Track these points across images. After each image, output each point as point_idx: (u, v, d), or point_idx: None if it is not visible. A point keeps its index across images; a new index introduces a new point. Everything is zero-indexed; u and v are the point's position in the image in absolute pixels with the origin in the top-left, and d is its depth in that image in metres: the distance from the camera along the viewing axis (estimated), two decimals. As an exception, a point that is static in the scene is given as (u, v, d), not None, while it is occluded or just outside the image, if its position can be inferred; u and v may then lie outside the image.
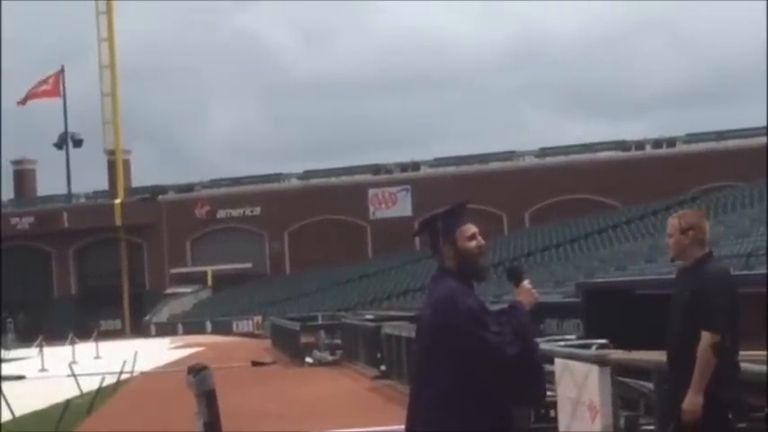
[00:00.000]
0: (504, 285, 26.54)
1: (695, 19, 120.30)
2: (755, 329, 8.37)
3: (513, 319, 4.60)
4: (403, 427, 4.77)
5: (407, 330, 18.36)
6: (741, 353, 6.09)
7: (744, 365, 6.18)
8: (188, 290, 73.12)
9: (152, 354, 35.78)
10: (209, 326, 60.65)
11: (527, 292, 4.76)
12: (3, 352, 40.51)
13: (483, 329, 4.50)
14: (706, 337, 5.70)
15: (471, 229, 4.71)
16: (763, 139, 60.17)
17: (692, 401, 5.73)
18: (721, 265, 6.09)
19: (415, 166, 73.05)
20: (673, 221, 6.06)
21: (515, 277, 4.81)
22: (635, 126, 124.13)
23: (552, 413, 10.34)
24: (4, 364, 33.08)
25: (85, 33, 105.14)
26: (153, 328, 64.78)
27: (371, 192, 71.77)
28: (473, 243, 4.69)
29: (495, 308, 4.96)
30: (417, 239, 57.27)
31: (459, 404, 4.51)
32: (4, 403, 15.87)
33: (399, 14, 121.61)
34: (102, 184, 78.83)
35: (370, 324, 24.87)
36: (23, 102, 76.30)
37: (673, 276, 6.79)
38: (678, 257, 6.08)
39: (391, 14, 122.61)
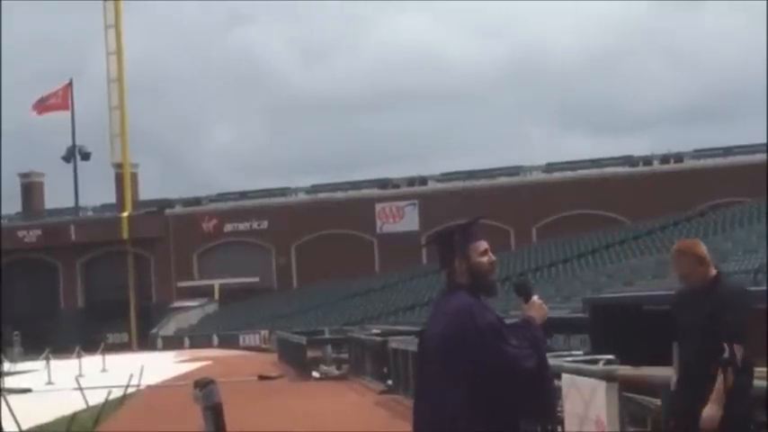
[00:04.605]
0: (509, 300, 26.51)
1: (693, 34, 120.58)
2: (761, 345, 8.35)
3: (528, 333, 4.61)
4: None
5: (414, 345, 18.30)
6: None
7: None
8: (195, 303, 73.13)
9: (158, 367, 35.75)
10: (215, 339, 60.63)
11: (538, 306, 4.77)
12: (9, 365, 40.50)
13: (503, 342, 4.51)
14: (738, 350, 5.87)
15: (484, 245, 4.73)
16: (770, 155, 60.20)
17: (712, 412, 5.85)
18: (737, 282, 6.27)
19: (423, 180, 73.09)
20: (684, 257, 6.19)
21: (524, 292, 4.81)
22: (636, 141, 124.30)
23: (559, 429, 10.32)
24: (10, 377, 33.10)
25: (92, 46, 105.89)
26: (160, 342, 64.79)
27: (378, 206, 71.81)
28: (485, 259, 4.71)
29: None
30: (424, 254, 57.41)
31: (478, 417, 4.49)
32: (10, 416, 15.86)
33: (402, 31, 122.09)
34: (110, 197, 79.04)
35: (376, 338, 24.86)
36: (37, 110, 76.31)
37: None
38: (694, 281, 6.20)
39: (394, 31, 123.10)
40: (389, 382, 21.66)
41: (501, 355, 4.48)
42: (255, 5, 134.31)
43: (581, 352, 12.90)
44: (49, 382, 30.48)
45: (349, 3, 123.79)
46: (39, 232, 76.46)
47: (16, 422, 16.05)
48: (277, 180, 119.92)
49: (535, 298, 4.80)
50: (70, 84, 77.56)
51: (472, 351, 4.50)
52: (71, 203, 78.42)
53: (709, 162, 66.72)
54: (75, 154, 77.37)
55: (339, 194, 73.93)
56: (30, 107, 76.58)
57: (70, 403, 20.68)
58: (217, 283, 73.55)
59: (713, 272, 6.14)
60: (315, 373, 28.34)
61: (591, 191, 66.29)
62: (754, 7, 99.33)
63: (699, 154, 68.38)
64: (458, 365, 4.52)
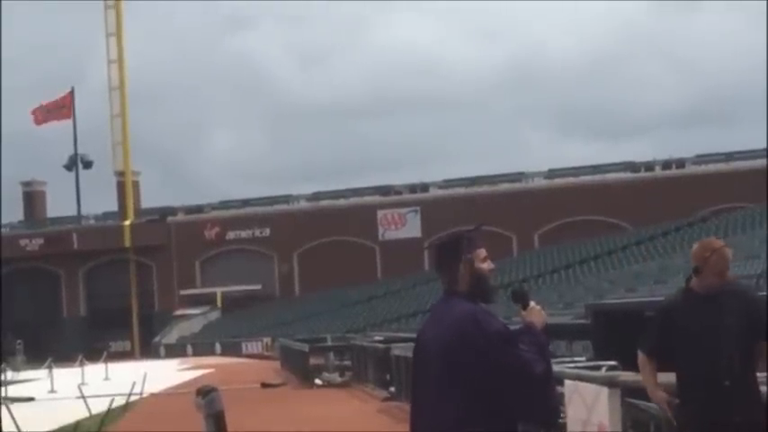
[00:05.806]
0: (511, 307, 26.50)
1: (693, 38, 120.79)
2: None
3: (533, 338, 4.62)
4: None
5: (417, 352, 18.27)
6: None
7: None
8: (197, 311, 73.11)
9: (161, 375, 35.73)
10: (218, 347, 60.61)
11: (537, 313, 4.76)
12: (12, 374, 40.49)
13: (513, 347, 4.50)
14: None
15: (484, 251, 4.75)
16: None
17: None
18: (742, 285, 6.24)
19: (424, 187, 73.08)
20: (729, 252, 6.11)
21: (521, 300, 4.80)
22: (636, 146, 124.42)
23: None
24: (13, 386, 33.07)
25: (93, 54, 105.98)
26: (162, 350, 64.76)
27: (380, 213, 71.80)
28: (486, 265, 4.73)
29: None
30: (426, 261, 57.47)
31: (477, 422, 4.48)
32: (13, 425, 15.86)
33: (402, 37, 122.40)
34: (112, 205, 79.09)
35: (379, 345, 24.83)
36: (40, 122, 76.34)
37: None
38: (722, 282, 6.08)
39: (394, 37, 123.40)
40: (392, 389, 21.63)
41: (515, 359, 4.46)
42: (254, 12, 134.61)
43: (584, 358, 12.90)
44: (52, 391, 30.46)
45: (349, 9, 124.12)
46: (41, 241, 76.46)
47: (19, 431, 16.05)
48: (278, 187, 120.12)
49: (533, 304, 4.79)
50: (72, 92, 77.64)
51: (477, 356, 4.48)
52: (73, 212, 78.45)
53: (711, 168, 66.72)
54: (76, 162, 77.37)
55: (341, 202, 73.94)
56: (31, 118, 76.56)
57: (73, 412, 20.70)
58: (219, 290, 73.53)
59: None
60: (317, 381, 28.31)
61: (593, 197, 66.29)
62: (752, 7, 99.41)
63: (700, 159, 68.39)
64: (460, 371, 4.51)
